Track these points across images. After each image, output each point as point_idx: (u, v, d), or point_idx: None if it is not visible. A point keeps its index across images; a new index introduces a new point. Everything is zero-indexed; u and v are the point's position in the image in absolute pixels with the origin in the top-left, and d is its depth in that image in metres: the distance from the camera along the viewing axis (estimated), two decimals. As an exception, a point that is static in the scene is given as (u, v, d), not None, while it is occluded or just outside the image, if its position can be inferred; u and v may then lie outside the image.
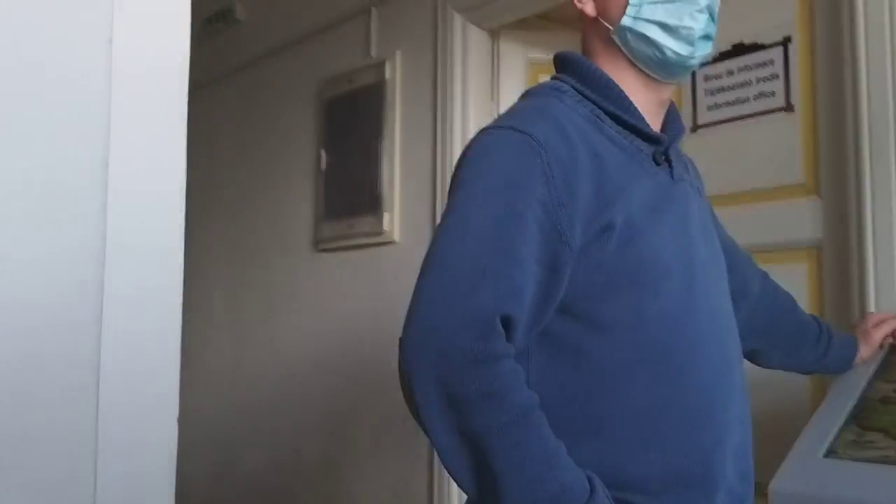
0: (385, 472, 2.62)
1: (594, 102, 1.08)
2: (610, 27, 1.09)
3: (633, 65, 1.10)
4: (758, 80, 1.89)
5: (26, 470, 0.50)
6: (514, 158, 0.99)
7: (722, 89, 1.94)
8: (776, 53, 1.86)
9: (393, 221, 2.64)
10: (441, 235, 0.98)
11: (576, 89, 1.09)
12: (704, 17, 1.08)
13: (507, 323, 0.93)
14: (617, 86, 1.09)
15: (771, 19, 1.85)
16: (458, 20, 2.52)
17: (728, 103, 1.93)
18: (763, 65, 1.88)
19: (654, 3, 1.07)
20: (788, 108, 1.83)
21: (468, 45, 2.52)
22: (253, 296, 3.30)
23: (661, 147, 1.10)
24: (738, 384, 1.09)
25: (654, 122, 1.13)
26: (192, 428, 3.86)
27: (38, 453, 0.51)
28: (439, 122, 2.52)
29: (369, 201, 2.71)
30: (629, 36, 1.08)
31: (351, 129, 2.84)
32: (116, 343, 0.52)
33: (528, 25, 2.53)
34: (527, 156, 0.98)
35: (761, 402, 1.80)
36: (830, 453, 1.25)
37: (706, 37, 1.09)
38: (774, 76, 1.86)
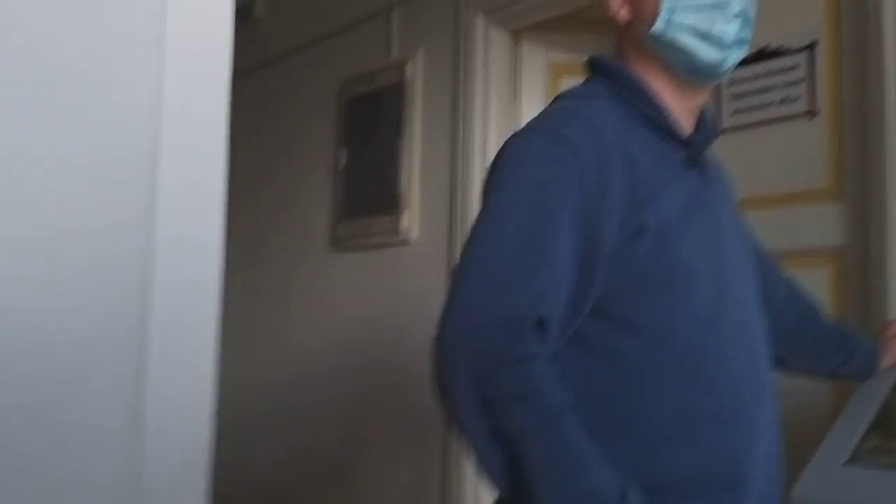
0: (398, 471, 2.62)
1: (627, 105, 1.09)
2: (643, 32, 1.09)
3: (667, 69, 1.10)
4: (783, 85, 1.88)
5: (73, 459, 0.51)
6: (549, 161, 1.00)
7: (746, 94, 1.94)
8: (801, 58, 1.85)
9: (411, 221, 2.64)
10: (476, 237, 1.00)
11: (610, 91, 1.10)
12: (738, 21, 1.07)
13: (542, 324, 0.94)
14: (650, 89, 1.10)
15: (797, 25, 1.85)
16: (479, 21, 2.52)
17: (752, 108, 1.92)
18: (788, 70, 1.87)
19: (687, 9, 1.06)
20: (813, 112, 1.82)
21: (490, 45, 2.51)
22: (270, 294, 3.30)
23: (693, 150, 1.10)
24: (767, 388, 1.10)
25: (688, 125, 1.13)
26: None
27: (83, 442, 0.52)
28: (460, 122, 2.52)
29: (388, 201, 2.72)
30: (662, 42, 1.08)
31: (371, 128, 2.84)
32: (161, 334, 0.53)
33: (550, 27, 2.52)
34: (561, 158, 0.99)
35: (783, 408, 1.80)
36: (853, 461, 1.25)
37: (740, 42, 1.08)
38: (799, 81, 1.85)
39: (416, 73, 2.69)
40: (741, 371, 1.06)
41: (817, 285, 1.76)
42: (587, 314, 1.00)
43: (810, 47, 1.84)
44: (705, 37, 1.07)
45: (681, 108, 1.11)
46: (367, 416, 2.75)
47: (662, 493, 0.98)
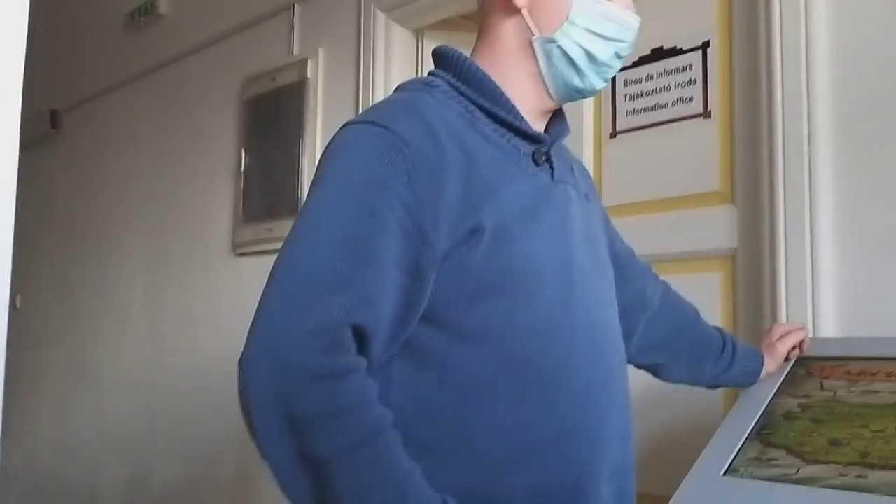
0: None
1: (469, 98, 1.02)
2: (535, 32, 1.03)
3: (535, 74, 1.05)
4: (676, 86, 1.85)
5: None
6: (375, 155, 0.91)
7: (640, 94, 1.91)
8: (695, 58, 1.82)
9: (313, 225, 2.56)
10: (290, 240, 0.91)
11: (450, 84, 1.03)
12: (620, 61, 1.07)
13: (360, 334, 0.86)
14: (492, 81, 1.03)
15: (690, 24, 1.82)
16: (381, 18, 2.46)
17: (647, 109, 1.89)
18: (681, 70, 1.84)
19: (591, 32, 1.02)
20: (706, 114, 1.80)
21: (391, 43, 2.46)
22: (171, 301, 3.19)
23: (542, 147, 1.04)
24: (619, 398, 1.04)
25: (537, 123, 1.07)
26: (105, 437, 3.74)
27: None
28: (360, 122, 2.45)
29: (289, 204, 2.63)
30: (554, 50, 1.03)
31: (273, 128, 2.76)
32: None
33: (452, 25, 2.48)
34: (388, 153, 0.91)
35: (672, 414, 1.77)
36: (731, 471, 1.21)
37: (609, 78, 1.08)
38: (692, 81, 1.83)
39: (318, 71, 2.63)
40: (588, 380, 0.99)
41: (710, 289, 1.74)
42: (418, 321, 0.93)
43: (703, 47, 1.81)
44: (597, 64, 1.04)
45: (532, 109, 1.06)
46: (269, 426, 2.65)
47: None
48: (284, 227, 2.60)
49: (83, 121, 3.88)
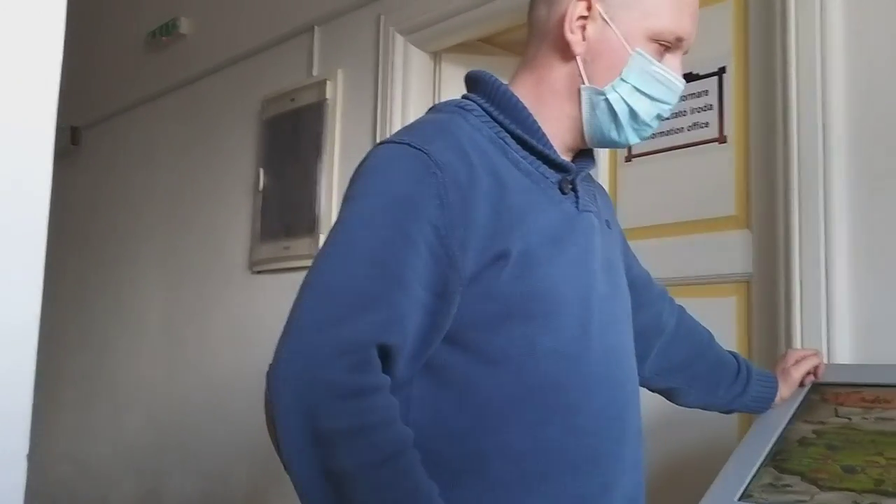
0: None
1: (501, 125, 1.03)
2: (586, 81, 1.04)
3: (577, 119, 1.06)
4: (692, 111, 1.87)
5: None
6: (409, 177, 0.93)
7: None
8: (711, 84, 1.84)
9: (330, 244, 2.58)
10: (322, 255, 0.92)
11: (483, 109, 1.04)
12: (659, 122, 1.09)
13: (386, 352, 0.87)
14: (526, 109, 1.04)
15: (707, 49, 1.83)
16: (399, 41, 2.49)
17: (663, 133, 1.90)
18: (698, 95, 1.86)
19: (638, 91, 1.04)
20: (722, 139, 1.81)
21: (409, 66, 2.49)
22: (188, 317, 3.21)
23: (568, 176, 1.05)
24: (632, 427, 1.04)
25: (565, 155, 1.09)
26: (120, 451, 3.75)
27: None
28: (378, 143, 2.48)
29: (306, 222, 2.66)
30: (601, 102, 1.04)
31: (291, 148, 2.79)
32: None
33: (470, 48, 2.50)
34: (422, 175, 0.92)
35: (687, 439, 1.77)
36: (746, 496, 1.21)
37: (647, 136, 1.10)
38: (709, 107, 1.84)
39: (337, 93, 2.66)
40: (603, 408, 1.00)
41: (725, 314, 1.75)
42: (441, 342, 0.94)
43: (720, 73, 1.83)
44: (637, 122, 1.06)
45: (563, 144, 1.08)
46: (283, 444, 2.66)
47: None
48: (301, 245, 2.63)
49: (103, 137, 3.92)
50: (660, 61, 1.04)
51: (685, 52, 1.08)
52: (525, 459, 0.94)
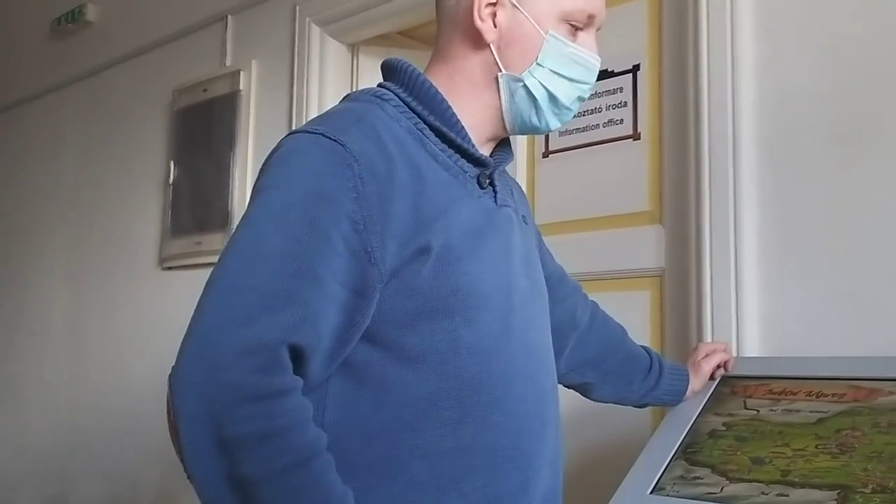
0: None
1: (419, 116, 1.00)
2: (502, 69, 1.02)
3: (496, 108, 1.04)
4: (607, 108, 1.88)
5: None
6: (323, 168, 0.88)
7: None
8: (625, 81, 1.85)
9: (243, 239, 2.51)
10: (228, 251, 0.87)
11: (401, 99, 1.00)
12: (580, 103, 1.07)
13: (297, 353, 0.83)
14: (445, 101, 1.01)
15: (621, 47, 1.85)
16: (316, 32, 2.45)
17: (578, 129, 1.91)
18: (612, 92, 1.87)
19: (557, 74, 1.02)
20: (636, 136, 1.83)
21: (326, 57, 2.45)
22: (94, 315, 3.10)
23: (486, 170, 1.03)
24: (551, 423, 1.03)
25: (484, 148, 1.06)
26: (25, 457, 3.60)
27: None
28: (293, 136, 2.43)
29: (219, 217, 2.59)
30: (519, 89, 1.02)
31: (203, 140, 2.71)
32: None
33: (389, 41, 2.48)
34: (337, 166, 0.88)
35: (601, 433, 1.78)
36: (658, 490, 1.22)
37: (567, 120, 1.09)
38: (623, 104, 1.85)
39: (251, 84, 2.60)
40: (523, 404, 0.98)
41: (639, 308, 1.76)
42: (359, 340, 0.90)
43: (634, 70, 1.84)
44: (557, 106, 1.04)
45: (482, 135, 1.05)
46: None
47: None
48: (214, 240, 2.55)
49: (6, 127, 3.75)
50: (573, 42, 1.03)
51: (598, 29, 1.07)
52: (445, 459, 0.92)
